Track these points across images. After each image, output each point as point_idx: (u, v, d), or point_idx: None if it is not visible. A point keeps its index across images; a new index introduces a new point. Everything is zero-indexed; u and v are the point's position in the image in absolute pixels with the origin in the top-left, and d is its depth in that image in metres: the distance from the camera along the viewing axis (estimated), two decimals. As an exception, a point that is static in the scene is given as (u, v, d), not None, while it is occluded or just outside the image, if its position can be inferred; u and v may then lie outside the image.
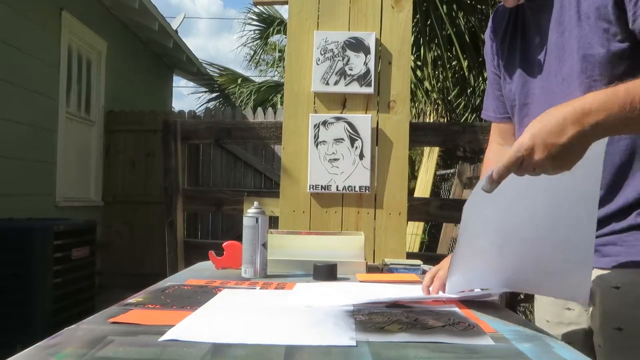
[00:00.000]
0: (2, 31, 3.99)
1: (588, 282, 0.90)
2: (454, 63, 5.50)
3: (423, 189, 4.88)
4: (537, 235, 0.91)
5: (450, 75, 5.52)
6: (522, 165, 0.80)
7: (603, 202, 0.97)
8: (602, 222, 0.97)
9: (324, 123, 1.94)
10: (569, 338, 1.05)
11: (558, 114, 0.79)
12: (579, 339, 1.03)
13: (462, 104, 6.32)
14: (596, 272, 0.97)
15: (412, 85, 5.16)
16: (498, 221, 0.93)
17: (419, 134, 2.64)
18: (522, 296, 3.58)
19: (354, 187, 1.92)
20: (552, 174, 0.81)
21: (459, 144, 3.09)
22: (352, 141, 1.93)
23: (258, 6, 8.22)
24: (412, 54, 3.48)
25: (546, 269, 0.93)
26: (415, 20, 4.66)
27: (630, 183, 0.96)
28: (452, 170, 5.42)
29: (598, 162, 0.84)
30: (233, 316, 0.95)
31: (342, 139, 1.94)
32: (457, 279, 1.05)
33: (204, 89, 10.84)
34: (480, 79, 5.51)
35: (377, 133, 1.95)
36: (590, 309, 1.01)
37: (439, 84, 5.67)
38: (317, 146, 1.94)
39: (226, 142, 5.01)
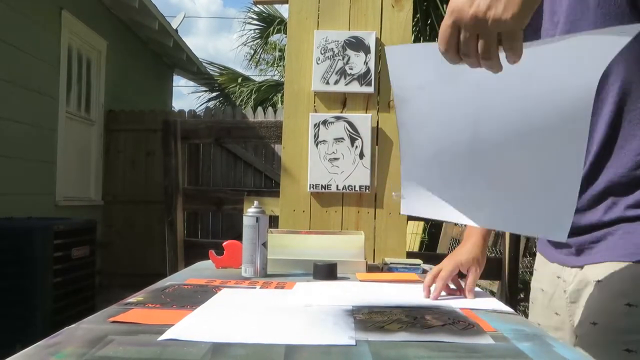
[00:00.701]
0: (2, 31, 3.99)
1: (569, 217, 0.81)
2: (454, 62, 5.50)
3: (423, 189, 4.87)
4: (516, 157, 0.83)
5: (450, 74, 5.51)
6: (462, 45, 0.69)
7: (588, 179, 0.93)
8: (588, 206, 0.94)
9: (324, 122, 1.94)
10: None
11: None
12: (569, 344, 1.02)
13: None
14: (585, 269, 0.95)
15: (412, 85, 5.15)
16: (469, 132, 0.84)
17: (419, 134, 2.64)
18: (522, 295, 3.58)
19: (354, 186, 1.92)
20: (505, 32, 0.67)
21: (459, 143, 3.09)
22: (352, 140, 1.93)
23: (258, 5, 8.22)
24: (412, 53, 3.48)
25: (525, 197, 0.84)
26: (415, 19, 4.66)
27: (616, 158, 0.92)
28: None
29: (590, 92, 0.75)
30: (233, 315, 0.95)
31: (342, 139, 1.94)
32: (415, 201, 0.95)
33: (204, 89, 10.84)
34: (481, 78, 5.50)
35: (377, 132, 1.95)
36: (574, 308, 0.98)
37: (439, 84, 5.67)
38: (317, 145, 1.94)
39: (226, 141, 5.01)
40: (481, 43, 0.68)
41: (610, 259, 0.91)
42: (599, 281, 0.92)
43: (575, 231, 0.96)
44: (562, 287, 1.02)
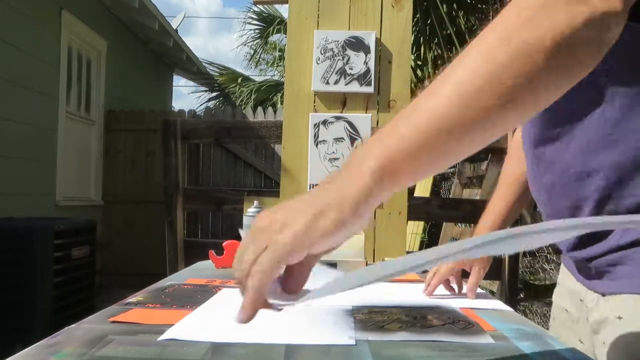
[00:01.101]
0: (2, 30, 3.99)
1: None
2: (454, 62, 5.49)
3: (423, 189, 4.88)
4: None
5: (450, 74, 5.51)
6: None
7: (599, 208, 0.82)
8: (602, 235, 0.83)
9: (324, 122, 1.94)
10: None
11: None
12: None
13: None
14: (607, 299, 0.85)
15: (412, 85, 5.15)
16: None
17: (419, 133, 2.63)
18: (522, 295, 3.58)
19: (354, 186, 1.92)
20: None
21: (459, 143, 3.09)
22: (352, 140, 1.93)
23: (258, 5, 8.22)
24: (412, 53, 3.48)
25: None
26: (415, 19, 4.66)
27: (631, 185, 0.79)
28: (452, 170, 5.42)
29: None
30: (233, 315, 0.94)
31: (342, 139, 1.94)
32: None
33: (204, 89, 10.84)
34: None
35: (377, 132, 1.95)
36: (595, 341, 0.89)
37: (439, 83, 5.66)
38: (317, 145, 1.93)
39: (226, 141, 5.01)
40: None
41: (630, 291, 0.81)
42: (619, 318, 0.83)
43: (592, 257, 0.87)
44: (585, 314, 0.92)
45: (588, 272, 0.90)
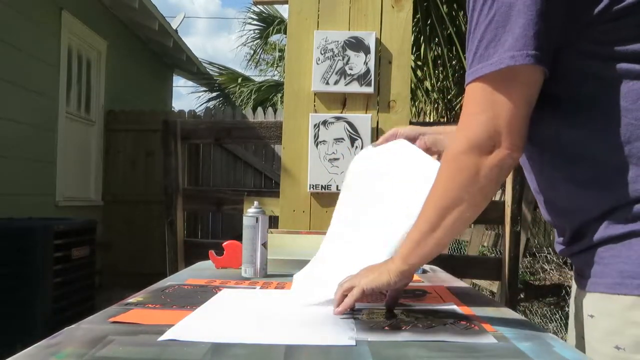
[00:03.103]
0: (2, 31, 3.99)
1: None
2: (454, 62, 5.49)
3: (423, 189, 4.87)
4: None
5: (450, 74, 5.51)
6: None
7: (561, 219, 0.90)
8: (574, 238, 0.89)
9: (324, 123, 1.94)
10: None
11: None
12: None
13: (462, 103, 6.30)
14: (586, 296, 0.88)
15: (412, 85, 5.16)
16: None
17: (419, 134, 2.63)
18: (522, 295, 3.58)
19: (354, 186, 1.92)
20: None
21: (459, 143, 3.08)
22: (352, 141, 1.93)
23: (258, 5, 8.23)
24: (412, 53, 3.48)
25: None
26: (415, 19, 4.66)
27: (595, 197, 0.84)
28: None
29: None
30: (233, 315, 0.95)
31: (342, 139, 1.94)
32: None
33: (203, 89, 10.85)
34: (480, 78, 5.48)
35: (377, 132, 1.95)
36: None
37: (439, 84, 5.67)
38: (317, 146, 1.94)
39: (226, 141, 5.01)
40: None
41: (600, 290, 0.84)
42: (591, 316, 0.86)
43: (573, 253, 0.91)
44: (577, 309, 0.94)
45: (573, 267, 0.95)
